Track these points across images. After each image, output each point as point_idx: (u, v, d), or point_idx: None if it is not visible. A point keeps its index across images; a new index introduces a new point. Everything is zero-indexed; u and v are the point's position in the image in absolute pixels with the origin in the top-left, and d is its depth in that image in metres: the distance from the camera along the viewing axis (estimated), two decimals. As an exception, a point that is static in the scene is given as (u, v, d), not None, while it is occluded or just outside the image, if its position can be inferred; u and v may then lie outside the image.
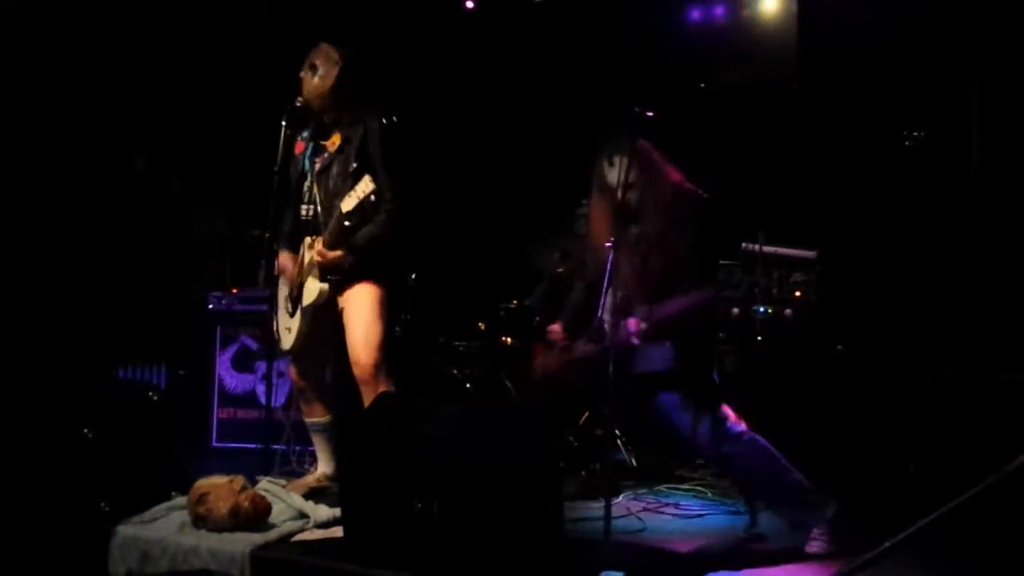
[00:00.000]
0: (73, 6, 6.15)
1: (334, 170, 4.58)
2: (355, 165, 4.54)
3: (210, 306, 5.91)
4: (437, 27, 7.13)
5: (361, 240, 4.49)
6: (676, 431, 4.03)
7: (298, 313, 4.64)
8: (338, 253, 4.47)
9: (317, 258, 4.48)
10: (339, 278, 4.55)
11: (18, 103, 5.84)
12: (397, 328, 4.69)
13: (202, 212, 6.87)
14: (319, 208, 4.59)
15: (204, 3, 6.65)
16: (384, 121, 4.62)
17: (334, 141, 4.61)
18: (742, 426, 4.01)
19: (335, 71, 4.60)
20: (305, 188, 4.68)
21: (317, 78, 4.59)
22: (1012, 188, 5.44)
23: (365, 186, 4.24)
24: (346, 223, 4.35)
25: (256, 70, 6.41)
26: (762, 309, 5.08)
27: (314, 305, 4.57)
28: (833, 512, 3.93)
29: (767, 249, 5.22)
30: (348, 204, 4.29)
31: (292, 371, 4.84)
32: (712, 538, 4.19)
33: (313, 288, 4.55)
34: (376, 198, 4.27)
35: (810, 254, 5.54)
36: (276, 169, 4.60)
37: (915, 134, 5.67)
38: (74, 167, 6.18)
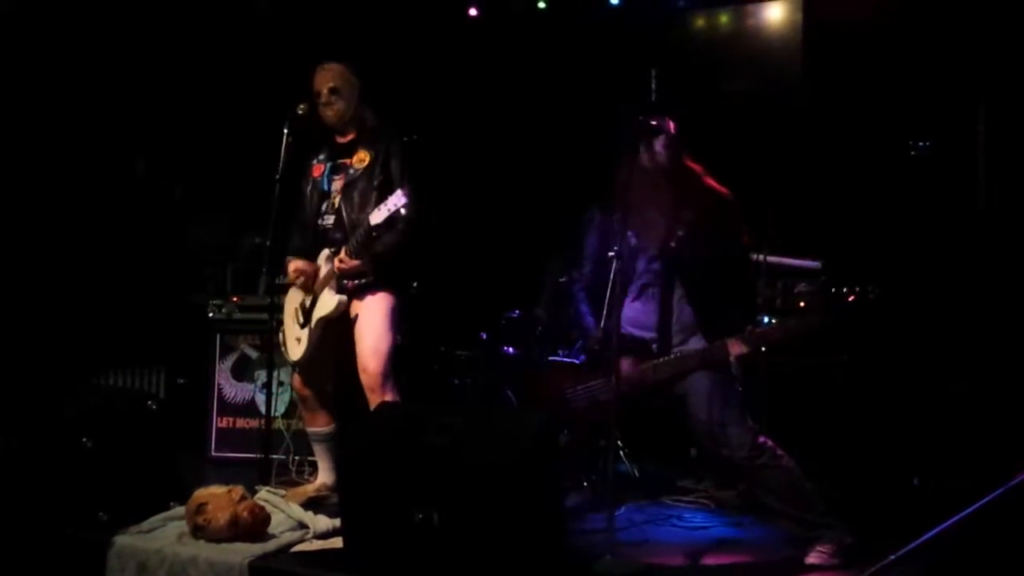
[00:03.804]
0: (73, 9, 6.14)
1: (359, 185, 4.62)
2: (380, 179, 4.59)
3: (210, 314, 5.88)
4: (440, 35, 7.12)
5: (382, 248, 4.52)
6: (709, 430, 4.00)
7: (310, 324, 4.64)
8: (358, 262, 4.50)
9: (339, 265, 4.50)
10: (357, 284, 4.57)
11: (18, 107, 5.82)
12: (399, 336, 4.68)
13: (203, 219, 6.85)
14: (346, 222, 4.61)
15: (205, 8, 6.64)
16: (405, 139, 4.68)
17: (361, 159, 4.66)
18: (772, 443, 4.00)
19: (356, 93, 4.69)
20: (326, 205, 4.71)
21: (342, 103, 4.66)
22: (1018, 197, 5.41)
23: (396, 199, 4.28)
24: (373, 234, 4.42)
25: (258, 77, 6.40)
26: (766, 320, 5.04)
27: (329, 317, 4.58)
28: (849, 541, 3.89)
29: (771, 259, 5.20)
30: (377, 217, 4.33)
31: (296, 380, 4.84)
32: (714, 551, 4.16)
33: (331, 300, 4.57)
34: (405, 210, 4.30)
35: (814, 264, 5.51)
36: (277, 177, 4.60)
37: (921, 144, 5.65)
38: (74, 172, 6.16)
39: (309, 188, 4.76)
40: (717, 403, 3.98)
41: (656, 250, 4.16)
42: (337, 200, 4.66)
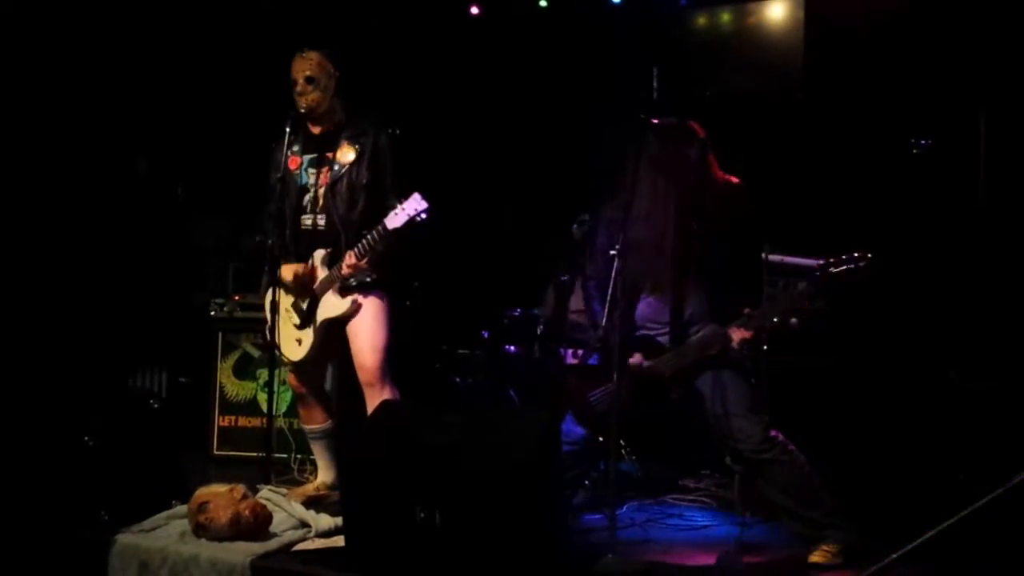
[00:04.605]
0: (74, 9, 6.14)
1: (345, 182, 4.56)
2: (367, 178, 4.53)
3: (212, 313, 5.88)
4: (442, 34, 7.12)
5: (395, 250, 4.47)
6: (717, 421, 4.01)
7: (313, 325, 4.63)
8: (365, 264, 4.46)
9: (347, 271, 4.46)
10: (357, 283, 4.55)
11: (18, 107, 5.82)
12: (395, 333, 4.67)
13: (204, 218, 6.86)
14: (335, 220, 4.56)
15: (207, 9, 6.64)
16: (390, 132, 4.61)
17: (346, 153, 4.58)
18: (783, 438, 4.00)
19: (333, 82, 4.60)
20: (307, 200, 4.64)
21: (318, 93, 4.57)
22: (1018, 196, 5.41)
23: (416, 204, 4.23)
24: (389, 239, 4.34)
25: (259, 77, 6.39)
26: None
27: (339, 319, 4.56)
28: (856, 542, 3.89)
29: (772, 258, 5.20)
30: (395, 221, 4.27)
31: (291, 378, 4.83)
32: (716, 549, 4.16)
33: (341, 303, 4.54)
34: (427, 216, 4.25)
35: (815, 263, 5.49)
36: (280, 176, 4.58)
37: (923, 142, 5.64)
38: (75, 172, 6.16)
39: (286, 181, 4.63)
40: (728, 395, 3.99)
41: (670, 244, 4.15)
42: (323, 197, 4.58)
